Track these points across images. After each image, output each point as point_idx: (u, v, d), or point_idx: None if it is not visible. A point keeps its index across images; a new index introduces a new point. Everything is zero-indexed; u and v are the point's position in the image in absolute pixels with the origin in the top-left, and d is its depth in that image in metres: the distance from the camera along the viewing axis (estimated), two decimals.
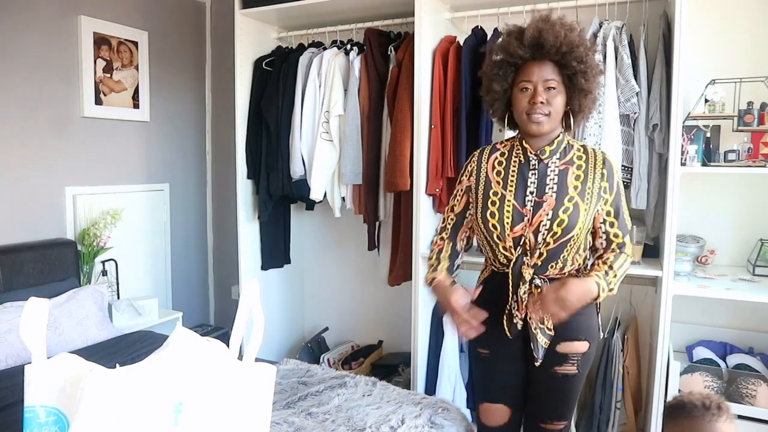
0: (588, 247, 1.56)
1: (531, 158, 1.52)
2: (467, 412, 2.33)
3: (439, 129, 2.40)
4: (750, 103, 2.07)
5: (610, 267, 1.48)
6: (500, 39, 1.53)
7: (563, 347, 1.51)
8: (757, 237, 2.31)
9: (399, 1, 2.50)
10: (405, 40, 2.57)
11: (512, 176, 1.52)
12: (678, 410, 1.38)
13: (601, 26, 2.22)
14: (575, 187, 1.48)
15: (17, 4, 2.52)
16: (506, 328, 1.50)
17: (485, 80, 1.57)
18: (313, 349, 3.14)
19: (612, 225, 1.52)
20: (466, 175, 1.61)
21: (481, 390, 1.67)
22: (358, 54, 2.68)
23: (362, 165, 2.63)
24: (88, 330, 2.39)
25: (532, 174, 1.51)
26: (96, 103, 2.88)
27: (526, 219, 1.48)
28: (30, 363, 0.97)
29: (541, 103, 1.44)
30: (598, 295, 1.43)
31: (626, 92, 2.13)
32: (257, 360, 1.09)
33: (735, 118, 2.07)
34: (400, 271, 2.60)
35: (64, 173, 2.76)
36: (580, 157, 1.52)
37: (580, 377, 1.55)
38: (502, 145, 1.61)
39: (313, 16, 2.81)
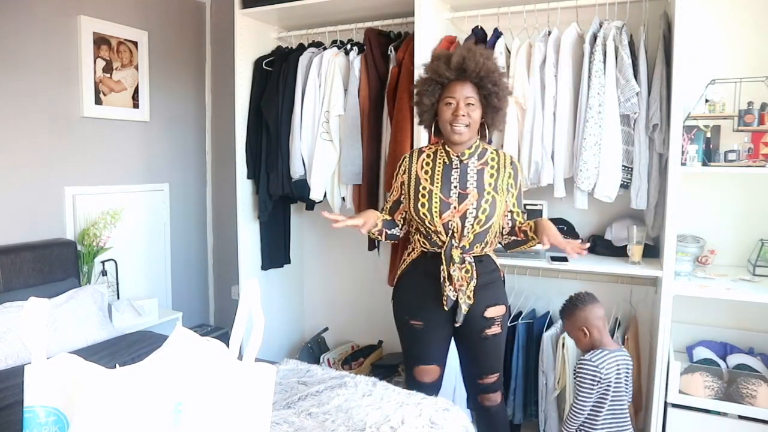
0: (499, 231, 1.92)
1: (454, 160, 1.86)
2: (467, 412, 2.32)
3: None
4: (750, 103, 2.07)
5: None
6: (430, 62, 1.86)
7: (489, 312, 1.86)
8: (757, 237, 2.31)
9: (399, 1, 2.50)
10: (405, 40, 2.57)
11: (438, 174, 1.86)
12: (570, 308, 1.93)
13: (601, 26, 2.22)
14: (490, 183, 1.84)
15: (17, 3, 2.52)
16: (443, 302, 1.82)
17: (417, 94, 1.88)
18: (313, 349, 3.14)
19: (518, 214, 1.91)
20: (400, 173, 1.95)
21: (416, 355, 1.98)
22: (358, 54, 2.68)
23: (362, 165, 2.63)
24: (88, 330, 2.38)
25: (455, 172, 1.85)
26: (96, 103, 2.88)
27: (452, 207, 1.81)
28: (30, 363, 0.97)
29: (462, 116, 1.77)
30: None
31: (626, 92, 2.13)
32: (257, 360, 1.08)
33: (735, 118, 2.07)
34: None
35: (64, 173, 2.76)
36: (493, 159, 1.88)
37: (503, 335, 1.93)
38: (428, 148, 1.95)
39: (313, 16, 2.81)
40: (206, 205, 3.65)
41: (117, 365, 1.00)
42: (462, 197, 1.81)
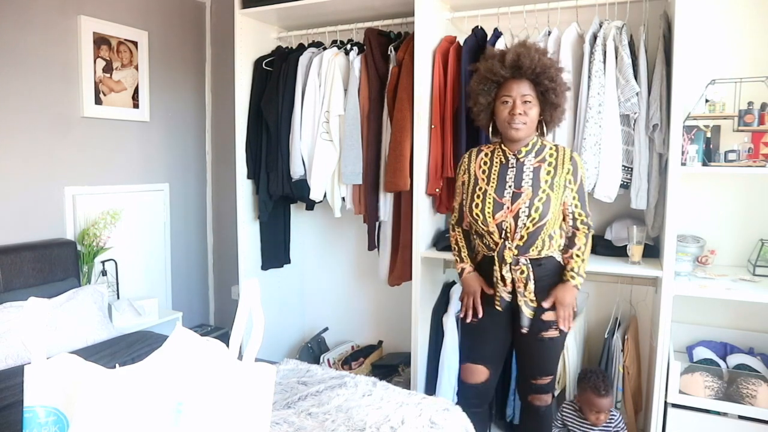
0: (562, 234, 1.86)
1: (510, 158, 1.82)
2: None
3: (439, 129, 2.40)
4: (750, 103, 2.07)
5: (582, 258, 1.83)
6: (483, 61, 1.83)
7: (548, 315, 1.82)
8: (757, 237, 2.31)
9: (399, 1, 2.50)
10: (405, 40, 2.57)
11: (494, 174, 1.84)
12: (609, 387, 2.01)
13: (601, 26, 2.22)
14: (546, 181, 1.78)
15: (17, 3, 2.52)
16: (496, 302, 1.83)
17: (473, 94, 1.86)
18: (313, 349, 3.14)
19: (577, 206, 1.84)
20: (461, 173, 1.94)
21: (467, 352, 1.98)
22: (358, 54, 2.68)
23: (362, 165, 2.63)
24: (88, 330, 2.38)
25: (511, 171, 1.82)
26: (96, 103, 2.88)
27: (505, 207, 1.78)
28: (30, 363, 0.97)
29: (519, 114, 1.74)
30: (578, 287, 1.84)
31: (626, 92, 2.13)
32: (257, 360, 1.08)
33: (735, 118, 2.07)
34: (400, 271, 2.60)
35: (64, 173, 2.76)
36: (551, 155, 1.83)
37: (561, 338, 1.88)
38: (487, 147, 1.92)
39: (313, 16, 2.81)
40: (206, 205, 3.65)
41: (117, 365, 1.00)
42: (516, 196, 1.77)
